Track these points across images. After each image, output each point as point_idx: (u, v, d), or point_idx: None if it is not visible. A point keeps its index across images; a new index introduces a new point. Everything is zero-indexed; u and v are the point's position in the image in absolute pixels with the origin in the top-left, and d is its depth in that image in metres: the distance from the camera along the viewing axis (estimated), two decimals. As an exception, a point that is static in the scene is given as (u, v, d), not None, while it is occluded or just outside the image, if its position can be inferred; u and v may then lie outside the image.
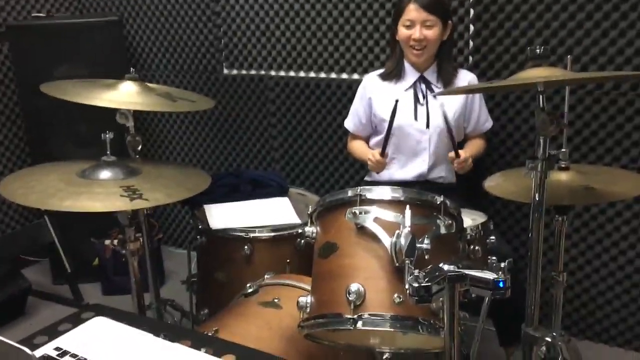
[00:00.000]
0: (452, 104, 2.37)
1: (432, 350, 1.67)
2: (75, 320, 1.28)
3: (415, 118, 2.36)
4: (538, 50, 1.36)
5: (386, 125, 2.28)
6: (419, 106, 2.36)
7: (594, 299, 2.59)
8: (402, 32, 2.30)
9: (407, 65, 2.40)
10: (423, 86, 2.38)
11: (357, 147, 2.55)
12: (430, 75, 2.39)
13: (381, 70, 2.47)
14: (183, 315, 2.49)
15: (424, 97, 2.37)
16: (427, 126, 2.35)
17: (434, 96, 2.35)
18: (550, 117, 1.31)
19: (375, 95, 2.43)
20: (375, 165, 2.28)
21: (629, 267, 2.49)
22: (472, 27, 2.57)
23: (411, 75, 2.39)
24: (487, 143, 2.52)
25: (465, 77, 2.41)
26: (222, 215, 2.24)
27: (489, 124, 2.48)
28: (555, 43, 2.39)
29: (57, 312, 2.97)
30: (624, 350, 2.58)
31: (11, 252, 2.97)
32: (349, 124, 2.57)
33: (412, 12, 2.26)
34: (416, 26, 2.26)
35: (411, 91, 2.38)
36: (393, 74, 2.41)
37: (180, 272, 3.24)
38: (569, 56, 1.74)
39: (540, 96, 1.34)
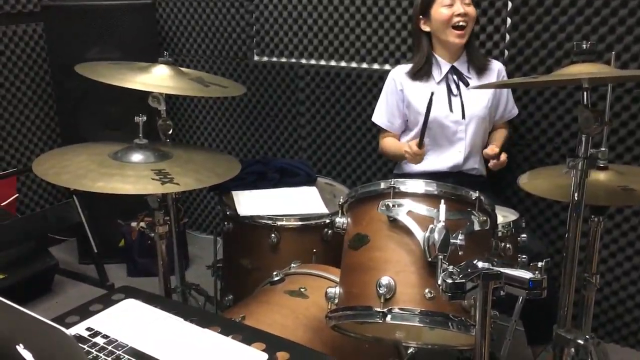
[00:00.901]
0: (484, 93, 2.36)
1: (458, 347, 1.65)
2: (106, 302, 1.29)
3: (451, 109, 2.33)
4: (585, 46, 1.32)
5: (421, 118, 2.27)
6: (452, 97, 2.34)
7: (623, 302, 2.54)
8: (442, 13, 2.25)
9: (437, 58, 2.36)
10: (455, 77, 2.35)
11: (391, 144, 2.48)
12: (461, 65, 2.36)
13: (407, 66, 2.42)
14: (207, 300, 2.50)
15: (457, 88, 2.34)
16: (463, 116, 2.33)
17: (467, 88, 2.33)
18: (594, 115, 1.27)
19: (407, 88, 2.39)
20: (413, 157, 2.21)
21: (661, 271, 2.44)
22: (509, 20, 2.52)
23: (442, 68, 2.36)
24: (510, 131, 2.52)
25: (496, 66, 2.40)
26: (249, 202, 2.23)
27: (515, 110, 2.49)
28: (595, 39, 2.33)
29: (82, 291, 3.01)
30: (652, 355, 2.54)
31: (40, 230, 3.00)
32: (381, 119, 2.49)
33: None
34: (457, 3, 2.24)
35: (443, 83, 2.35)
36: (423, 72, 2.36)
37: (204, 257, 3.26)
38: (612, 53, 1.69)
39: (585, 93, 1.30)
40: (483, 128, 2.38)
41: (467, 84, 2.34)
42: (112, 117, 3.11)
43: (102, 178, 1.70)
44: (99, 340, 1.14)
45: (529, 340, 2.22)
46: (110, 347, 1.11)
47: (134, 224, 2.90)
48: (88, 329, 1.18)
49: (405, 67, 2.42)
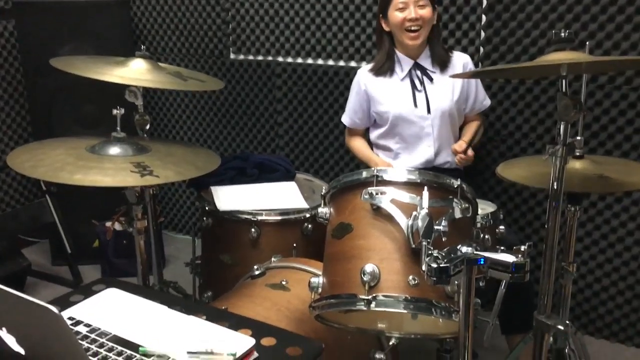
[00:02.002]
0: (449, 87, 2.37)
1: (440, 335, 1.66)
2: (87, 292, 1.27)
3: (415, 105, 2.35)
4: (563, 34, 1.35)
5: (387, 116, 2.35)
6: (417, 93, 2.36)
7: (597, 295, 2.59)
8: (396, 16, 2.27)
9: (399, 55, 2.37)
10: (419, 72, 2.36)
11: (360, 151, 2.54)
12: (424, 60, 2.37)
13: (370, 66, 2.43)
14: (185, 298, 2.46)
15: (421, 84, 2.36)
16: (429, 111, 2.34)
17: (430, 81, 2.34)
18: (572, 102, 1.30)
19: (372, 88, 2.41)
20: None
21: (634, 263, 2.48)
22: (484, 18, 2.55)
23: (405, 65, 2.37)
24: (484, 124, 2.53)
25: (461, 59, 2.40)
26: (229, 197, 2.22)
27: (487, 101, 2.47)
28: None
29: (56, 293, 2.92)
30: (625, 346, 2.58)
31: (11, 230, 2.94)
32: (346, 119, 2.55)
33: None
34: (410, 7, 2.24)
35: (407, 80, 2.37)
36: (385, 68, 2.38)
37: (181, 257, 3.23)
38: (587, 43, 1.72)
39: (564, 81, 1.33)
40: (451, 121, 2.39)
41: (431, 79, 2.35)
42: (87, 115, 3.07)
43: (79, 171, 1.67)
44: (82, 329, 1.12)
45: (502, 330, 2.25)
46: (93, 335, 1.09)
47: (109, 223, 2.85)
48: (70, 318, 1.15)
49: (368, 66, 2.45)
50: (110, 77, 1.91)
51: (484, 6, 2.54)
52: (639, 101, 2.34)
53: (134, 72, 1.99)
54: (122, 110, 1.90)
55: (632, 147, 2.38)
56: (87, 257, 3.15)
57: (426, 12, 2.26)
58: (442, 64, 2.37)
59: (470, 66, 2.43)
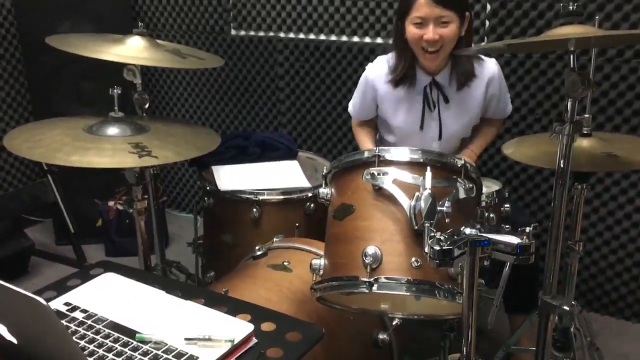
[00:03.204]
0: (467, 109, 2.12)
1: (443, 316, 1.64)
2: (84, 276, 1.25)
3: (421, 127, 2.12)
4: (571, 7, 1.30)
5: (393, 130, 2.16)
6: (426, 114, 2.11)
7: (603, 271, 2.57)
8: (412, 31, 1.94)
9: (417, 67, 2.08)
10: (435, 91, 2.09)
11: (362, 144, 2.30)
12: (443, 78, 2.07)
13: (383, 65, 2.12)
14: (188, 277, 2.46)
15: (435, 105, 2.10)
16: (440, 137, 2.13)
17: (445, 101, 2.10)
18: (581, 78, 1.25)
19: (382, 92, 2.15)
20: None
21: (641, 239, 2.46)
22: (490, -10, 2.49)
23: (422, 79, 2.08)
24: (500, 128, 2.32)
25: (487, 71, 2.09)
26: (230, 177, 2.19)
27: (508, 110, 2.24)
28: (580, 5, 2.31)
29: (60, 272, 2.93)
30: (631, 323, 2.57)
31: (13, 210, 2.92)
32: (355, 112, 2.31)
33: (423, 7, 1.89)
34: (429, 25, 1.90)
35: (420, 97, 2.10)
36: (404, 81, 2.08)
37: (184, 236, 3.22)
38: (596, 17, 1.67)
39: (572, 56, 1.28)
40: (463, 141, 2.21)
41: (447, 100, 2.10)
42: (86, 92, 3.04)
43: (77, 152, 1.64)
44: (78, 314, 1.10)
45: (506, 309, 2.23)
46: (89, 322, 1.08)
47: (111, 202, 2.83)
48: (66, 303, 1.14)
49: (382, 67, 2.13)
50: (107, 55, 1.87)
51: (490, -22, 2.48)
52: (648, 75, 2.29)
53: (132, 50, 1.95)
54: (120, 90, 1.87)
55: (641, 122, 2.34)
56: (90, 237, 3.15)
57: (448, 30, 1.91)
58: (464, 81, 2.06)
59: (496, 80, 2.11)
